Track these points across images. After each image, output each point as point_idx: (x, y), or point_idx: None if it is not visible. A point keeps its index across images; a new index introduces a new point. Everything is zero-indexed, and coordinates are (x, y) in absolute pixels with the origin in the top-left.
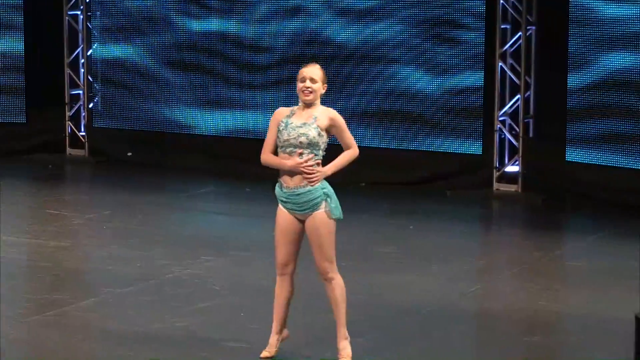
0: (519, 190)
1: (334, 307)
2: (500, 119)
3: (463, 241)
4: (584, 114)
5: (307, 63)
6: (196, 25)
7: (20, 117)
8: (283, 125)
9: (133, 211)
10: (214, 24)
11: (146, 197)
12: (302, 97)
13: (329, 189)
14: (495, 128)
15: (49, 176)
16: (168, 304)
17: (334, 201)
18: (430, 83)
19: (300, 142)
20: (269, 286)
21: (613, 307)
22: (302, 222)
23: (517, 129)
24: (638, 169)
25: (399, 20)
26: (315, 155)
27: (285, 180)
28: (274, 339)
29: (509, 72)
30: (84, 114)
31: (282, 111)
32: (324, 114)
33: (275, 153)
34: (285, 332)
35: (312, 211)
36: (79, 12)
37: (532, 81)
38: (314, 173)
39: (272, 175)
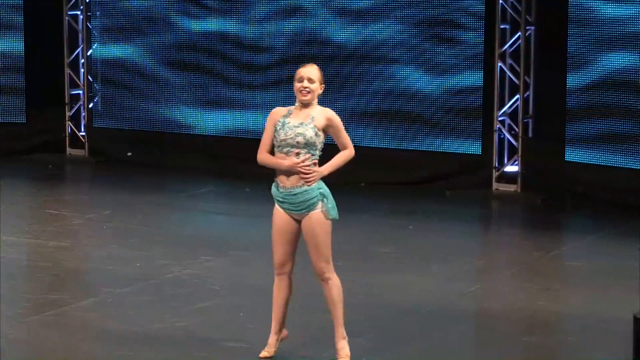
0: (519, 190)
1: (331, 307)
2: (500, 119)
3: (462, 241)
4: (583, 114)
5: (305, 63)
6: (196, 25)
7: (20, 117)
8: (280, 125)
9: (133, 211)
10: (214, 24)
11: (146, 197)
12: (299, 97)
13: (325, 189)
14: (495, 128)
15: (49, 176)
16: (168, 304)
17: (330, 201)
18: (429, 83)
19: (298, 142)
20: (269, 286)
21: (612, 307)
22: (299, 222)
23: (517, 129)
24: (637, 168)
25: (399, 20)
26: (312, 155)
27: (282, 180)
28: (273, 339)
29: (508, 72)
30: (84, 114)
31: (279, 111)
32: (321, 114)
33: (272, 152)
34: (284, 332)
35: (309, 211)
36: (79, 12)
37: (531, 81)
38: (310, 173)
39: (272, 175)
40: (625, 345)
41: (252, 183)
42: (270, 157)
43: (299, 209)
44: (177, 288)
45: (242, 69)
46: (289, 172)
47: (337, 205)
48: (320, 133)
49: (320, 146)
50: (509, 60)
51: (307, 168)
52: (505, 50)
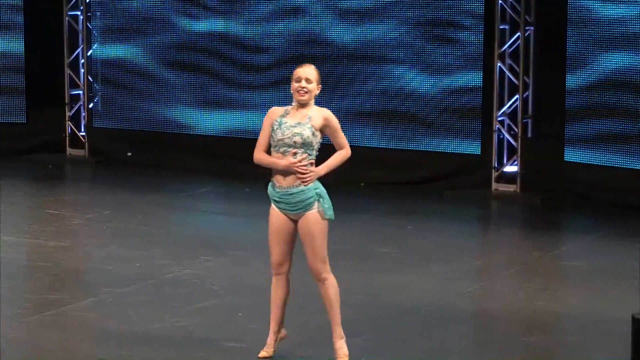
0: (518, 190)
1: (328, 307)
2: (499, 119)
3: (462, 241)
4: (583, 114)
5: (302, 63)
6: (196, 26)
7: (20, 117)
8: (277, 124)
9: (133, 211)
10: (214, 24)
11: (146, 197)
12: (296, 97)
13: (322, 189)
14: (494, 128)
15: (49, 176)
16: (167, 303)
17: (327, 201)
18: (429, 83)
19: (295, 142)
20: (268, 286)
21: (612, 307)
22: (295, 221)
23: (516, 129)
24: (636, 168)
25: (399, 21)
26: (309, 155)
27: (278, 179)
28: (271, 339)
29: (507, 73)
30: (84, 114)
31: (276, 110)
32: (318, 114)
33: (268, 152)
34: (283, 332)
35: (305, 211)
36: (79, 13)
37: (530, 81)
38: (307, 173)
39: (270, 175)
40: (624, 345)
41: (251, 183)
42: (267, 156)
43: (296, 209)
44: (177, 288)
45: (241, 69)
46: (285, 172)
47: (337, 205)
48: (317, 133)
49: (317, 146)
50: (508, 61)
51: (304, 168)
52: (504, 50)
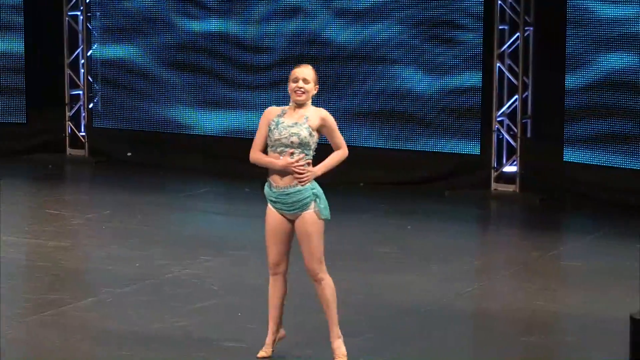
0: (517, 191)
1: (325, 307)
2: (498, 119)
3: (462, 241)
4: (582, 114)
5: (300, 63)
6: (195, 26)
7: (20, 117)
8: (274, 124)
9: (133, 211)
10: (213, 25)
11: (146, 197)
12: (294, 97)
13: (318, 190)
14: (493, 128)
15: (49, 176)
16: (167, 303)
17: (323, 201)
18: (428, 83)
19: (292, 142)
20: (267, 286)
21: (611, 307)
22: (292, 222)
23: (515, 129)
24: (636, 169)
25: (398, 21)
26: (306, 155)
27: (275, 179)
28: (270, 339)
29: (506, 73)
30: (84, 114)
31: (272, 110)
32: (316, 114)
33: (265, 152)
34: (282, 331)
35: (301, 211)
36: (79, 13)
37: (529, 81)
38: (304, 173)
39: (266, 175)
40: (623, 345)
41: (251, 183)
42: (264, 156)
43: (292, 209)
44: (177, 288)
45: (241, 69)
46: (282, 172)
47: (336, 206)
48: (314, 133)
49: (314, 146)
50: (508, 61)
51: (301, 168)
52: (503, 50)
